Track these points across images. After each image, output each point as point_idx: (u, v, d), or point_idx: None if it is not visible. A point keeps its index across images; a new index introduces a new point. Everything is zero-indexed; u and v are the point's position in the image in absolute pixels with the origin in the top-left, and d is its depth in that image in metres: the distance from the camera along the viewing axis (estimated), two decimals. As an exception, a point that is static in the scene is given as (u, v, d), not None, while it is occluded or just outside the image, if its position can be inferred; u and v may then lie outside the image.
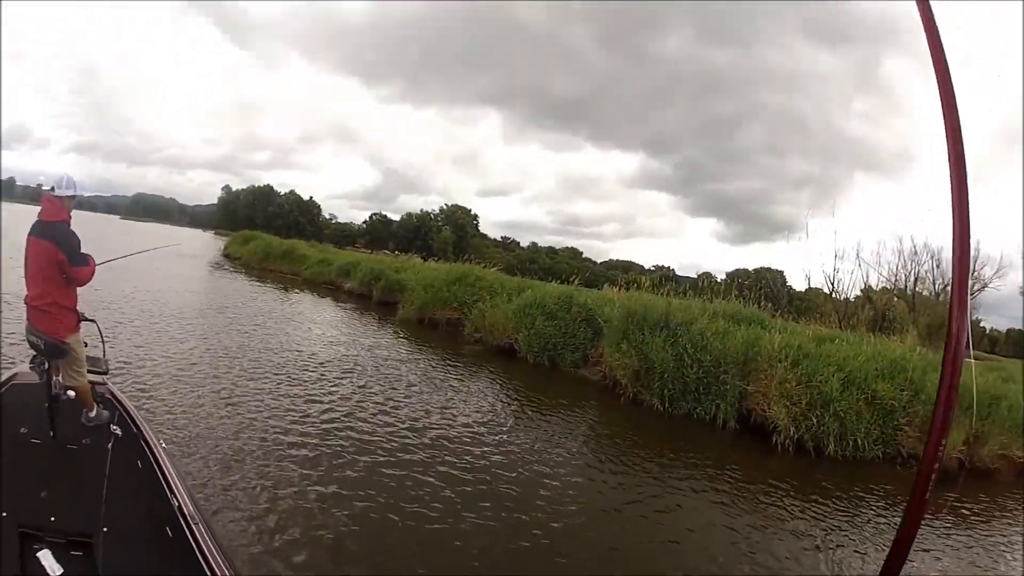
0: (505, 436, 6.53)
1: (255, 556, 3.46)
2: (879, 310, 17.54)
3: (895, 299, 17.67)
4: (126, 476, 2.95)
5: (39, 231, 3.26)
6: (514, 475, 5.40)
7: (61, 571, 2.23)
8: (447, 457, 5.58)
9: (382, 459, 5.32)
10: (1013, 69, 8.09)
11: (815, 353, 8.51)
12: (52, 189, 3.30)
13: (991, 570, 5.03)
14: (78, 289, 3.45)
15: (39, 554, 2.28)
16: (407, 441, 5.87)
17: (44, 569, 2.22)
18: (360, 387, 7.66)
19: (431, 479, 5.00)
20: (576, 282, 13.93)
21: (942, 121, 1.55)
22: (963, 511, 6.17)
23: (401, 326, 14.31)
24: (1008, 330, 23.81)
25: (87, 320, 3.58)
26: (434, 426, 6.48)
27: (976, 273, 18.58)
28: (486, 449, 5.98)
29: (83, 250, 3.37)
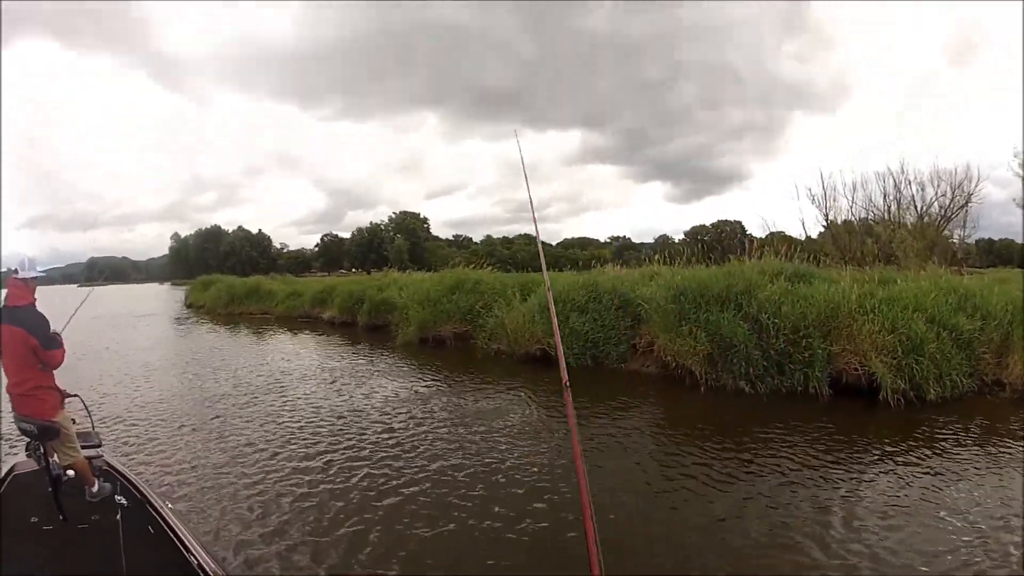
0: (606, 464, 5.37)
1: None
2: (881, 243, 17.35)
3: (896, 229, 17.47)
4: (141, 545, 2.93)
5: (8, 317, 3.23)
6: (641, 501, 4.28)
7: None
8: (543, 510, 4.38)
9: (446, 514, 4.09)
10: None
11: (887, 298, 7.89)
12: (16, 272, 3.28)
13: None
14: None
15: None
16: (478, 494, 4.64)
17: None
18: (395, 440, 6.32)
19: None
20: (600, 266, 12.84)
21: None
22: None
23: (404, 352, 12.86)
24: (976, 240, 25.52)
25: (70, 396, 3.56)
26: (508, 474, 5.25)
27: (959, 188, 19.42)
28: (604, 487, 4.81)
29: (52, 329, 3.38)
